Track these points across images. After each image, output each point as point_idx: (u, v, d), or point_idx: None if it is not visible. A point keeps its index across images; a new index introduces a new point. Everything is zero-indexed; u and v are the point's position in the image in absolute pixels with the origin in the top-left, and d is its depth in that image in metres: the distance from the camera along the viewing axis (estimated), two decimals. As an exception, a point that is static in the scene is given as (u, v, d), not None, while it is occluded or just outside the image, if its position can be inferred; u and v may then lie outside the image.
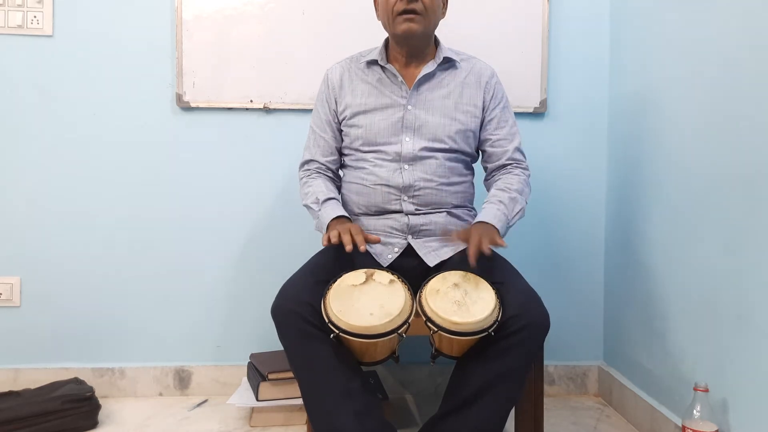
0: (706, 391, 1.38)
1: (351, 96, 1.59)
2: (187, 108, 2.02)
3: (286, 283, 1.39)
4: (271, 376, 1.77)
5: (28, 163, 1.99)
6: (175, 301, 2.04)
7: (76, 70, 1.99)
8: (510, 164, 1.61)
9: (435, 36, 1.62)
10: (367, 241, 1.40)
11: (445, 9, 1.62)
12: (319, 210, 1.52)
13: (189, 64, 1.99)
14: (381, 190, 1.54)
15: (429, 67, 1.57)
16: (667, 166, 1.69)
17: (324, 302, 1.30)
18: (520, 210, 1.54)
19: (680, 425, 1.44)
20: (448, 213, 1.56)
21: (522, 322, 1.29)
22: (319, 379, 1.31)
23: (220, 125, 2.03)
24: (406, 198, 1.53)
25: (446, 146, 1.55)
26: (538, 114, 2.07)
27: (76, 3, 1.98)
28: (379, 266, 1.48)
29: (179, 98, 2.00)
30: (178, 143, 2.03)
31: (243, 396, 1.84)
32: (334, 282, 1.34)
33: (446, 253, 1.52)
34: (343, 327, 1.25)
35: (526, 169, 1.62)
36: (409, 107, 1.56)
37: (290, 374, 1.66)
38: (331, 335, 1.27)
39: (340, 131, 1.64)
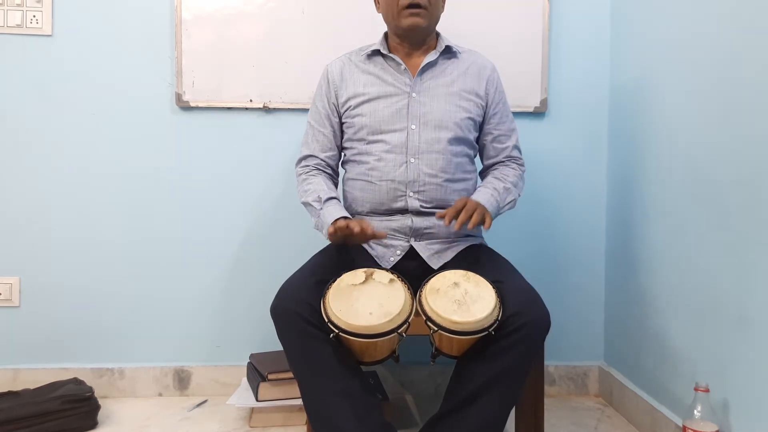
0: (707, 391, 1.38)
1: (353, 87, 1.59)
2: (186, 107, 2.01)
3: (285, 282, 1.39)
4: (270, 377, 1.77)
5: (28, 163, 1.99)
6: (174, 301, 2.04)
7: (76, 69, 1.99)
8: (507, 160, 1.64)
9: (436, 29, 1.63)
10: (375, 237, 1.40)
11: (444, 2, 1.63)
12: (321, 209, 1.51)
13: (188, 63, 1.99)
14: (386, 185, 1.53)
15: (432, 56, 1.58)
16: (667, 166, 1.69)
17: (324, 302, 1.30)
18: (511, 201, 1.57)
19: (681, 425, 1.44)
20: None
21: (522, 320, 1.28)
22: (319, 379, 1.30)
23: (220, 125, 2.03)
24: (411, 193, 1.52)
25: (452, 134, 1.54)
26: (538, 113, 2.07)
27: (76, 3, 1.98)
28: (380, 266, 1.47)
29: (179, 98, 2.00)
30: (178, 143, 2.02)
31: (243, 396, 1.84)
32: (333, 281, 1.34)
33: (449, 255, 1.53)
34: (343, 326, 1.25)
35: (522, 165, 1.66)
36: (414, 95, 1.56)
37: (290, 374, 1.66)
38: (331, 335, 1.27)
39: (341, 126, 1.63)
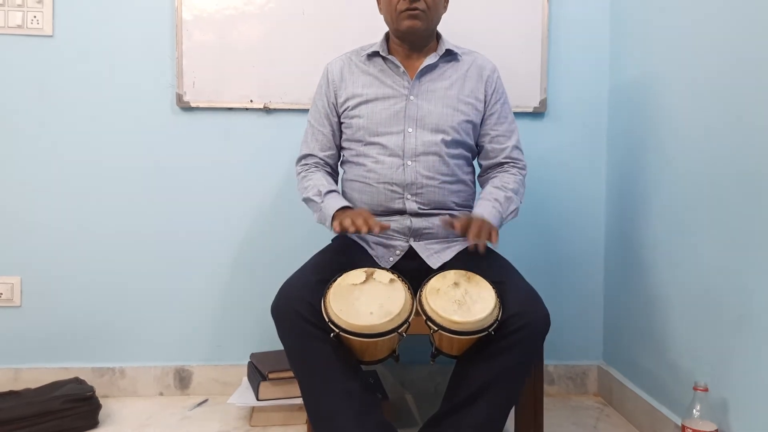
0: (706, 390, 1.38)
1: (352, 87, 1.59)
2: (187, 108, 2.02)
3: (286, 282, 1.39)
4: (271, 376, 1.78)
5: (29, 163, 1.99)
6: (175, 301, 2.04)
7: (76, 70, 1.99)
8: (507, 162, 1.62)
9: (437, 31, 1.62)
10: (382, 229, 1.40)
11: (447, 2, 1.62)
12: (322, 202, 1.51)
13: (189, 64, 1.99)
14: (384, 188, 1.53)
15: (431, 59, 1.58)
16: (667, 166, 1.69)
17: (324, 301, 1.30)
18: (514, 210, 1.55)
19: (680, 425, 1.44)
20: (451, 215, 1.54)
21: (522, 321, 1.29)
22: (319, 379, 1.31)
23: (221, 125, 2.03)
24: (409, 196, 1.53)
25: (449, 137, 1.54)
26: (537, 113, 2.07)
27: (76, 3, 1.98)
28: (380, 266, 1.48)
29: (179, 98, 2.00)
30: (179, 143, 2.03)
31: (243, 395, 1.84)
32: (334, 281, 1.34)
33: (448, 254, 1.53)
34: (343, 326, 1.25)
35: (523, 168, 1.63)
36: (411, 98, 1.55)
37: (290, 374, 1.66)
38: (331, 334, 1.27)
39: (340, 125, 1.63)
